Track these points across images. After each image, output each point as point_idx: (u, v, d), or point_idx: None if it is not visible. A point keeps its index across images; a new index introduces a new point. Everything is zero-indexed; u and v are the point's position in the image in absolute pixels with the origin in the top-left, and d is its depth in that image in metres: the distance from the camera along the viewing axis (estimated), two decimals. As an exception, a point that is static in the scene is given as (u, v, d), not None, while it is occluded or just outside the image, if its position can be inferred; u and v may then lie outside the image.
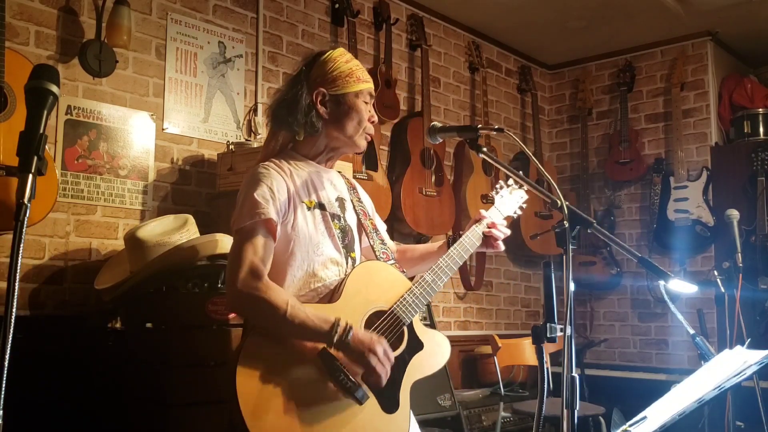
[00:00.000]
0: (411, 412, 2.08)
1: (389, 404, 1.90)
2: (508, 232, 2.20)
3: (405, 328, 1.98)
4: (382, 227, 2.20)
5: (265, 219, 1.82)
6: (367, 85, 2.01)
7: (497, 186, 2.29)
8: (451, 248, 2.09)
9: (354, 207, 2.11)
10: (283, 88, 2.03)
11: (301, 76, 1.99)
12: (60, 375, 2.71)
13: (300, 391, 1.77)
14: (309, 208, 1.95)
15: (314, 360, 1.81)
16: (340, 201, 2.06)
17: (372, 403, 1.86)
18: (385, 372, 1.85)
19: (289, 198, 1.90)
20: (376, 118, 2.05)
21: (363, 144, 2.04)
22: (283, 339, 1.81)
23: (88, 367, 2.76)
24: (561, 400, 1.53)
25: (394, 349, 1.94)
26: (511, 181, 2.30)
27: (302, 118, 1.94)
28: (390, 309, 1.95)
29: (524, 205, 2.32)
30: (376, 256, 2.08)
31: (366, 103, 2.01)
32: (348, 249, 2.02)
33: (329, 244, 1.97)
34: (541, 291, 5.54)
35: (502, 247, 2.20)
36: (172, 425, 2.45)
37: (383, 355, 1.84)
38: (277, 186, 1.88)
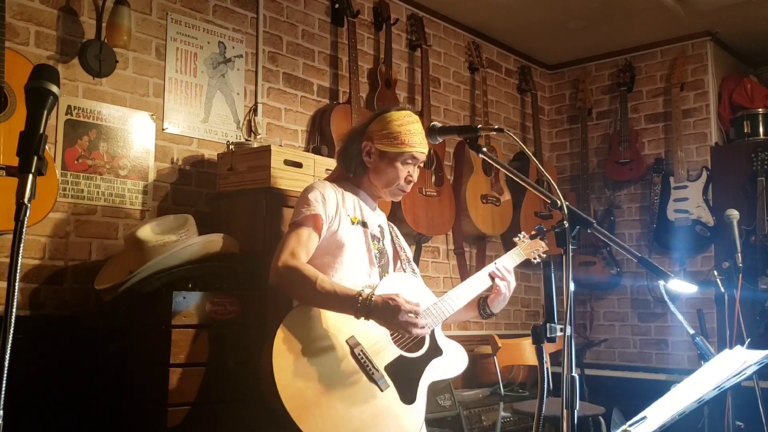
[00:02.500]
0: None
1: (407, 396, 2.06)
2: (512, 282, 2.42)
3: (427, 335, 2.19)
4: (417, 269, 2.48)
5: (313, 214, 2.13)
6: (409, 149, 2.26)
7: (520, 235, 2.61)
8: (466, 281, 2.38)
9: (392, 239, 2.43)
10: (354, 128, 2.42)
11: (366, 125, 2.33)
12: (60, 375, 2.71)
13: (329, 366, 1.97)
14: (353, 223, 2.24)
15: (345, 344, 2.03)
16: (381, 229, 2.38)
17: (392, 391, 2.04)
18: (416, 313, 1.98)
19: (337, 208, 2.21)
20: (414, 179, 2.33)
21: (396, 196, 2.38)
22: (317, 311, 2.05)
23: (88, 367, 2.76)
24: (561, 400, 1.53)
25: (416, 350, 2.16)
26: (528, 234, 2.59)
27: (351, 161, 2.30)
28: None
29: (544, 255, 2.57)
30: None
31: (406, 163, 2.28)
32: (383, 269, 2.30)
33: (367, 258, 2.25)
34: (541, 291, 5.53)
35: (501, 290, 2.40)
36: (172, 425, 2.45)
37: (408, 303, 1.98)
38: (328, 195, 2.21)
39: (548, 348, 3.58)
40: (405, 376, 2.07)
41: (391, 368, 2.06)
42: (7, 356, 1.04)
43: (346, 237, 2.19)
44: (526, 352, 3.74)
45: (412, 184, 2.33)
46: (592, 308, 5.44)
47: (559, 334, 1.55)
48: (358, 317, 1.98)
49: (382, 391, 2.01)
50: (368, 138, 2.28)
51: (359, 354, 2.02)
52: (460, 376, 4.75)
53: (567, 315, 1.55)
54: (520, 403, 3.80)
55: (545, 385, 1.58)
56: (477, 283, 2.36)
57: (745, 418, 3.23)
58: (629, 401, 4.28)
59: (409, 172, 2.29)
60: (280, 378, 1.87)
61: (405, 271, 2.37)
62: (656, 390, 1.97)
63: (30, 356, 2.48)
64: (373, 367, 2.02)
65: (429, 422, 3.68)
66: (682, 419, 1.71)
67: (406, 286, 2.22)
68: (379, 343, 2.07)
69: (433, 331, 2.21)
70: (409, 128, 2.27)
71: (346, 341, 2.03)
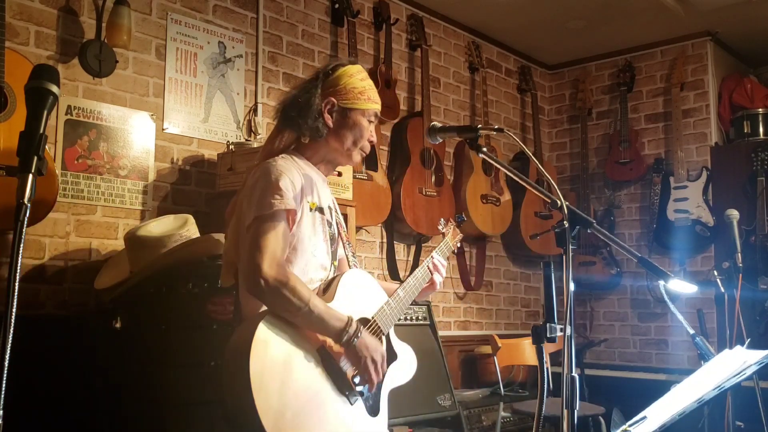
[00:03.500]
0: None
1: (373, 408, 2.01)
2: (444, 275, 2.35)
3: (383, 338, 2.08)
4: (352, 248, 2.32)
5: (288, 209, 1.90)
6: (375, 105, 2.10)
7: (441, 222, 2.50)
8: (411, 276, 2.25)
9: (336, 218, 2.19)
10: (297, 89, 2.11)
11: (317, 82, 2.06)
12: (60, 375, 2.71)
13: (303, 381, 1.84)
14: (311, 209, 2.02)
15: (316, 355, 1.89)
16: (330, 209, 2.14)
17: (360, 404, 1.97)
18: (378, 378, 1.98)
19: (302, 194, 1.97)
20: (375, 139, 2.16)
21: (357, 158, 2.14)
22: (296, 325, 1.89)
23: (88, 367, 2.76)
24: (561, 400, 1.53)
25: None
26: (448, 222, 2.51)
27: (311, 121, 2.01)
28: (373, 318, 2.06)
29: (459, 244, 2.54)
30: (349, 266, 2.18)
31: (370, 122, 2.10)
32: (333, 256, 2.12)
33: (323, 247, 2.06)
34: (541, 291, 5.54)
35: (436, 286, 2.33)
36: (172, 425, 2.45)
37: (381, 363, 1.97)
38: (296, 181, 1.96)
39: (548, 348, 3.58)
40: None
41: (356, 378, 1.98)
42: (7, 356, 1.04)
43: (306, 227, 1.99)
44: (526, 352, 3.73)
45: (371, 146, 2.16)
46: (592, 308, 5.44)
47: (559, 334, 1.55)
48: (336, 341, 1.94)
49: (351, 405, 1.93)
50: (329, 95, 2.04)
51: (329, 365, 1.90)
52: (460, 376, 4.76)
53: (567, 315, 1.55)
54: (520, 403, 3.79)
55: (545, 385, 1.57)
56: (421, 279, 2.26)
57: (745, 418, 3.23)
58: (629, 401, 4.27)
59: (371, 131, 2.12)
60: (259, 401, 1.72)
61: (347, 255, 2.20)
62: (656, 390, 1.97)
63: (30, 356, 2.47)
64: (342, 378, 1.92)
65: (429, 422, 3.70)
66: (682, 419, 1.71)
67: (364, 287, 2.13)
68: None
69: (388, 334, 2.12)
70: (371, 84, 2.11)
71: (317, 351, 1.90)
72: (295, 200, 1.93)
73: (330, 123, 2.04)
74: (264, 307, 1.90)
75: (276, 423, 1.73)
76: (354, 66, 2.12)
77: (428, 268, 2.28)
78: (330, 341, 1.90)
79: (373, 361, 1.94)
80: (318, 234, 2.03)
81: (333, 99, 2.04)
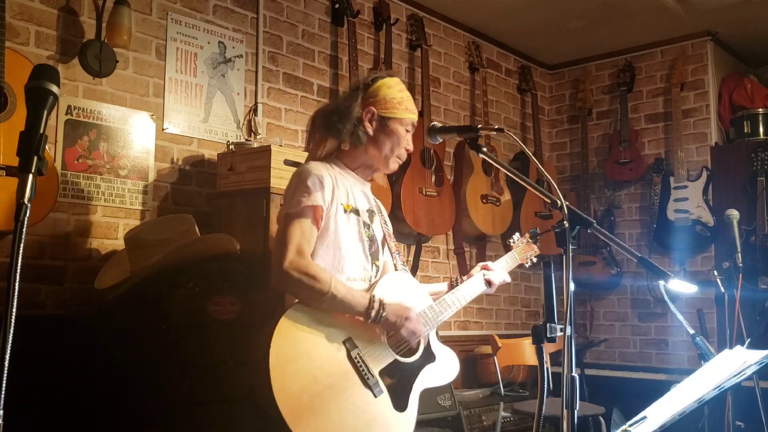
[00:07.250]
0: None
1: (400, 403, 2.05)
2: (501, 279, 2.44)
3: (421, 338, 2.16)
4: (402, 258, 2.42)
5: (314, 205, 2.03)
6: (412, 115, 2.21)
7: (514, 237, 2.60)
8: (466, 282, 2.36)
9: (381, 224, 2.32)
10: (339, 98, 2.27)
11: (358, 92, 2.20)
12: (60, 375, 2.71)
13: (325, 369, 1.92)
14: (346, 211, 2.14)
15: (342, 346, 1.98)
16: (370, 213, 2.26)
17: (385, 398, 2.01)
18: (421, 330, 2.10)
19: (333, 194, 2.10)
20: (411, 148, 2.26)
21: (394, 166, 2.25)
22: (323, 313, 1.99)
23: (88, 367, 2.76)
24: (561, 400, 1.53)
25: (410, 355, 2.14)
26: (523, 236, 2.59)
27: (351, 128, 2.14)
28: None
29: (535, 259, 2.60)
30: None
31: (407, 131, 2.21)
32: (374, 257, 2.22)
33: (358, 246, 2.16)
34: (541, 291, 5.53)
35: (495, 286, 2.45)
36: (172, 425, 2.45)
37: (416, 318, 2.09)
38: (326, 181, 2.08)
39: (548, 348, 3.58)
40: (398, 382, 2.07)
41: (385, 373, 2.04)
42: (7, 356, 1.04)
43: (340, 226, 2.10)
44: (526, 352, 3.74)
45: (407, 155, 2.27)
46: (592, 308, 5.44)
47: (559, 334, 1.55)
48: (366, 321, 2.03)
49: (375, 397, 1.98)
50: (369, 104, 2.16)
51: (355, 357, 1.98)
52: (460, 376, 4.76)
53: (567, 315, 1.55)
54: (520, 403, 3.79)
55: (545, 385, 1.58)
56: (473, 289, 2.36)
57: (745, 418, 3.23)
58: (629, 401, 4.27)
59: (408, 140, 2.22)
60: (276, 381, 1.82)
61: (396, 264, 2.30)
62: (656, 390, 1.97)
63: (30, 356, 2.47)
64: (369, 371, 1.99)
65: (429, 422, 3.70)
66: (682, 419, 1.71)
67: (405, 288, 2.21)
68: (376, 346, 2.05)
69: (428, 336, 2.19)
70: (408, 95, 2.23)
71: (343, 342, 1.98)
72: (323, 199, 2.04)
73: (370, 131, 2.15)
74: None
75: (291, 404, 1.82)
76: (392, 78, 2.24)
77: (486, 280, 2.39)
78: (354, 332, 2.00)
79: (408, 319, 2.05)
80: (353, 234, 2.14)
81: (373, 108, 2.16)
